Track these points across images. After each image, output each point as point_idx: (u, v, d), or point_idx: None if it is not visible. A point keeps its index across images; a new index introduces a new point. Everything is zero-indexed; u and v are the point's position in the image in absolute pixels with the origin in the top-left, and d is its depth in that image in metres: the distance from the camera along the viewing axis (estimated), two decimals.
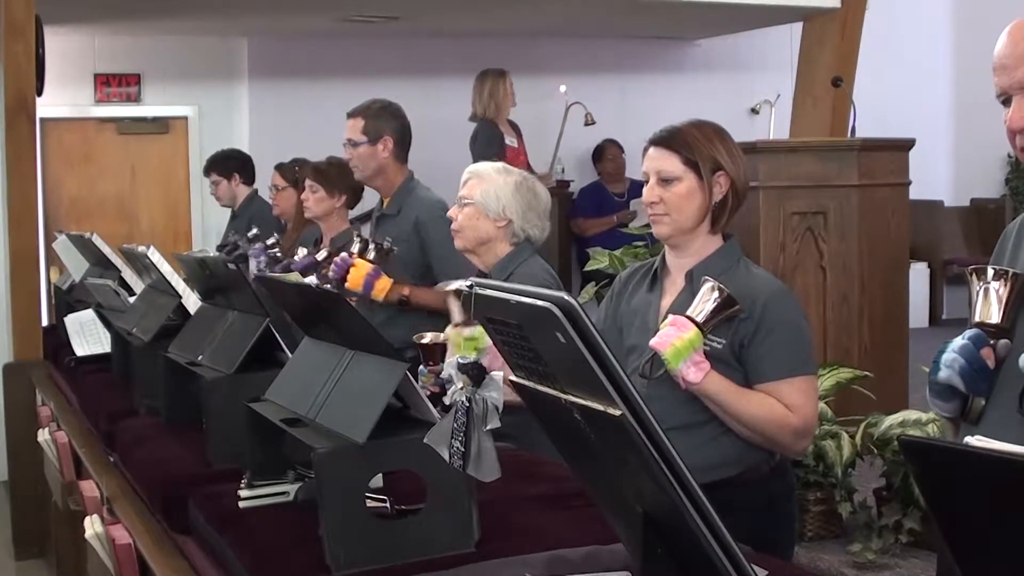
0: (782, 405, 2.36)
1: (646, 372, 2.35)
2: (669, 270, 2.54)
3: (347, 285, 3.73)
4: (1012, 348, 1.74)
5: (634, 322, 2.53)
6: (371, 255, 3.77)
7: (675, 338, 2.27)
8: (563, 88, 8.05)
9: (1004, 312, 1.72)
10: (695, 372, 2.29)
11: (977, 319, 1.73)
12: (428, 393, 2.88)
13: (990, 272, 1.74)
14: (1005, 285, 1.72)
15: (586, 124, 8.18)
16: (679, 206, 2.43)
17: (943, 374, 1.72)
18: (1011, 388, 1.72)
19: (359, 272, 3.72)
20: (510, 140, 7.07)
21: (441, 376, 2.91)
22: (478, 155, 6.87)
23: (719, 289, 2.31)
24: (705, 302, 2.31)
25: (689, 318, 2.30)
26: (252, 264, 4.73)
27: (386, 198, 4.00)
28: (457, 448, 1.62)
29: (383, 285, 3.71)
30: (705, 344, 2.34)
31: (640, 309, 2.54)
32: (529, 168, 7.26)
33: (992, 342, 1.71)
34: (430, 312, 3.66)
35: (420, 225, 3.82)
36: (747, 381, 2.39)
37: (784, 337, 2.38)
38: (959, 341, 1.73)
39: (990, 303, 1.72)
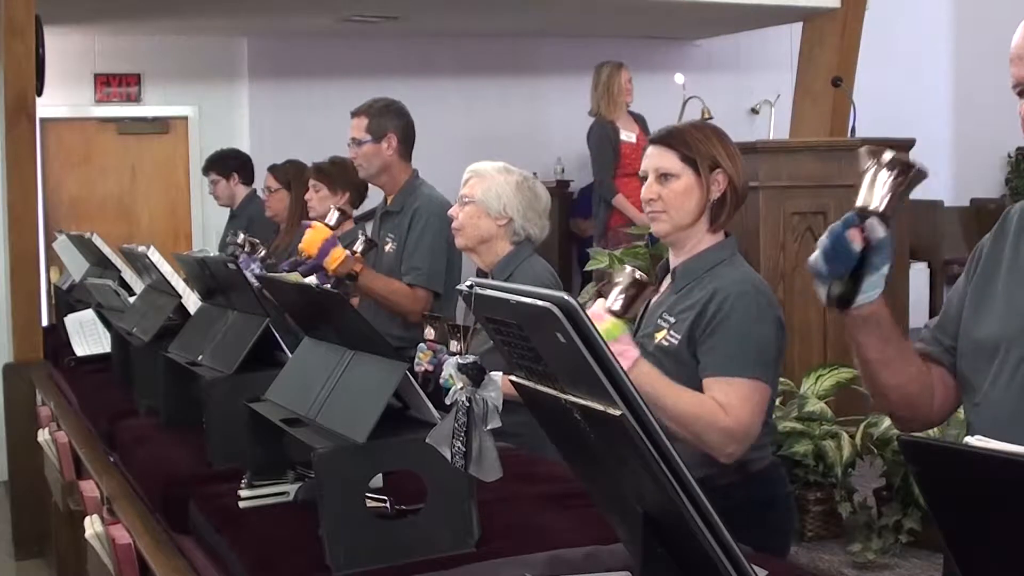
0: (715, 403, 2.28)
1: None
2: (669, 269, 2.55)
3: (302, 246, 3.73)
4: (1008, 326, 1.72)
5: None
6: (333, 221, 3.78)
7: None
8: (680, 79, 7.43)
9: (889, 200, 1.68)
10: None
11: (860, 203, 1.68)
12: (422, 370, 2.92)
13: (886, 157, 1.69)
14: (898, 174, 1.68)
15: (703, 119, 7.47)
16: (677, 203, 2.44)
17: (812, 256, 1.70)
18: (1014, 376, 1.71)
19: (316, 236, 3.71)
20: (627, 135, 6.74)
21: (440, 373, 2.94)
22: (592, 153, 6.71)
23: (631, 274, 2.29)
24: (618, 289, 2.29)
25: (608, 310, 2.27)
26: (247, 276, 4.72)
27: (390, 196, 4.01)
28: (459, 448, 1.62)
29: (338, 254, 3.70)
30: (665, 340, 2.36)
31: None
32: None
33: (861, 224, 1.67)
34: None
35: (414, 217, 3.84)
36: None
37: (732, 335, 2.32)
38: (834, 223, 1.70)
39: (876, 188, 1.68)
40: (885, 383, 1.86)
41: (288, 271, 4.25)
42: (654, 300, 2.50)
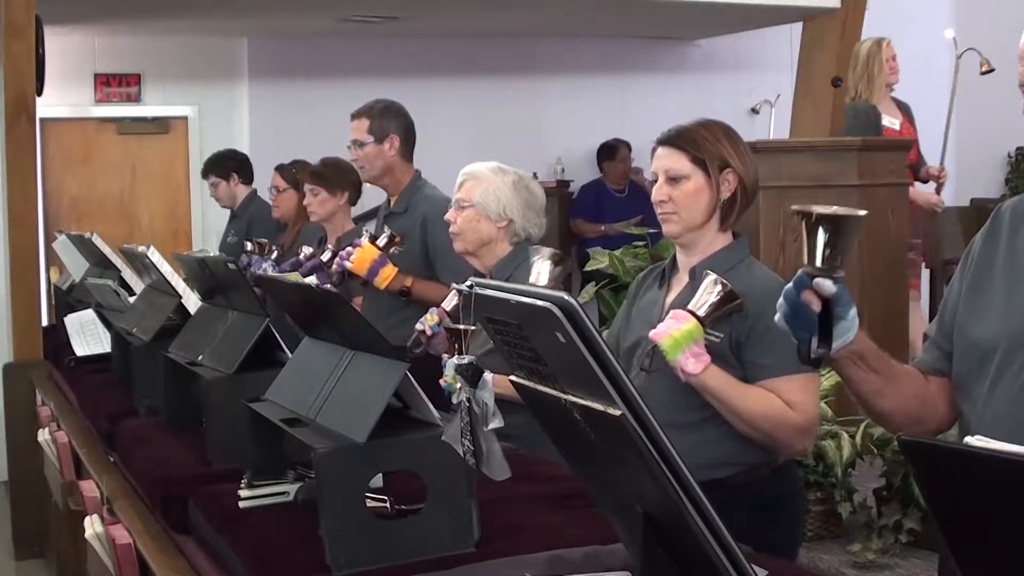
0: (782, 402, 2.35)
1: (645, 364, 2.36)
2: (678, 268, 2.55)
3: (351, 267, 3.74)
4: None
5: (640, 318, 2.54)
6: (382, 242, 3.78)
7: (673, 329, 2.28)
8: (950, 33, 6.61)
9: (828, 255, 1.68)
10: (694, 363, 2.28)
11: (806, 263, 1.70)
12: (420, 329, 2.92)
13: (814, 215, 1.71)
14: (830, 228, 1.69)
15: (982, 72, 6.33)
16: (687, 204, 2.44)
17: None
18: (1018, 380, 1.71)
19: (365, 256, 3.72)
20: (890, 121, 6.07)
21: (437, 342, 2.94)
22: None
23: (721, 283, 2.32)
24: (707, 296, 2.32)
25: (690, 311, 2.30)
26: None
27: (393, 197, 4.00)
28: (468, 447, 1.62)
29: (388, 273, 3.73)
30: (705, 338, 2.35)
31: (646, 306, 2.56)
32: (920, 155, 6.21)
33: (812, 283, 1.68)
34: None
35: (426, 223, 3.83)
36: (746, 379, 2.38)
37: (778, 336, 2.35)
38: (787, 286, 1.73)
39: (815, 246, 1.70)
40: (883, 409, 1.90)
41: (288, 271, 4.26)
42: (670, 299, 2.51)
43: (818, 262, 1.68)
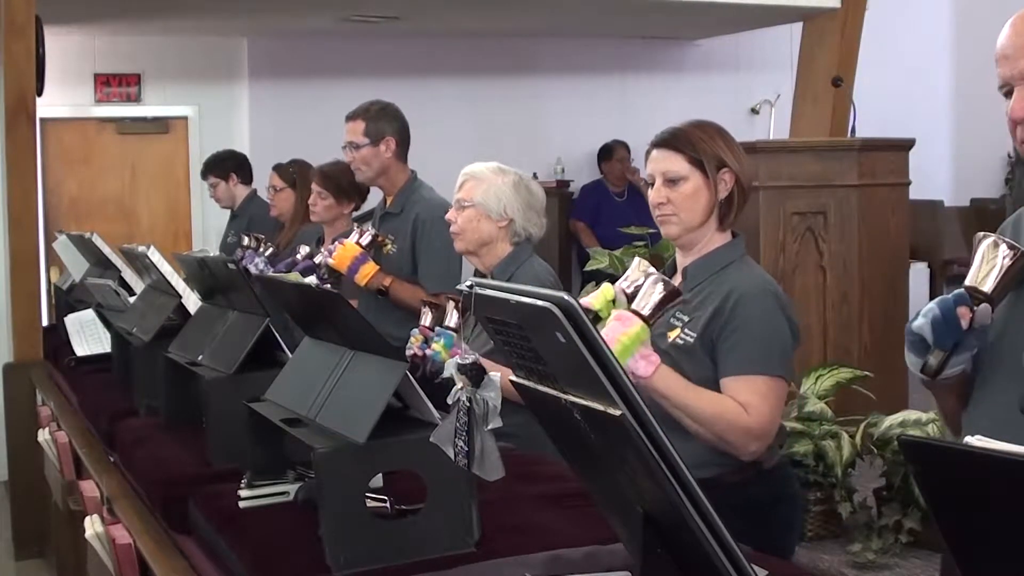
0: (736, 403, 2.31)
1: None
2: (676, 269, 2.55)
3: (332, 263, 3.77)
4: (1004, 333, 1.73)
5: None
6: (365, 241, 3.80)
7: (621, 334, 2.22)
8: None
9: (998, 283, 1.71)
10: (644, 366, 2.24)
11: (968, 282, 1.72)
12: (411, 354, 2.94)
13: (1000, 241, 1.72)
14: (1010, 259, 1.71)
15: None
16: (687, 205, 2.44)
17: (917, 322, 1.73)
18: (1007, 383, 1.71)
19: (346, 253, 3.76)
20: None
21: (430, 359, 2.97)
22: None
23: (662, 282, 2.28)
24: (650, 296, 2.28)
25: (634, 312, 2.26)
26: (252, 271, 4.72)
27: (389, 197, 4.01)
28: (461, 447, 1.62)
29: (367, 271, 3.75)
30: (680, 339, 2.37)
31: None
32: None
33: (974, 306, 1.70)
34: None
35: (417, 225, 3.84)
36: (717, 376, 2.36)
37: (749, 334, 2.35)
38: (946, 295, 1.73)
39: (988, 270, 1.71)
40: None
41: (285, 271, 4.26)
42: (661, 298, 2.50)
43: (986, 287, 1.70)
